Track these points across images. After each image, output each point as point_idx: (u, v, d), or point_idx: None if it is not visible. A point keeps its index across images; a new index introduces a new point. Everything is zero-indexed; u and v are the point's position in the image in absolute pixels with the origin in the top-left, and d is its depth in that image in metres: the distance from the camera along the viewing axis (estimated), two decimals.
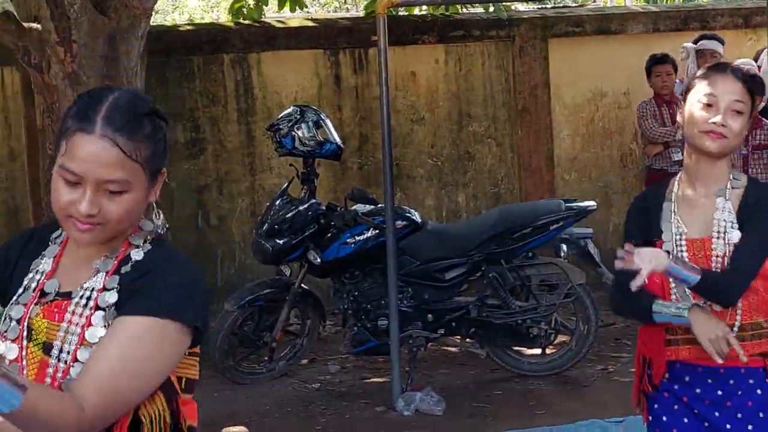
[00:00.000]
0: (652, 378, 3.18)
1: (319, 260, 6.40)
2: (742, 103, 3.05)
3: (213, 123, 8.29)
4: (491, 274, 6.37)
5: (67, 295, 2.14)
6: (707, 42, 8.01)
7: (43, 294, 2.16)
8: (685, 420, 3.14)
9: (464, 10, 9.34)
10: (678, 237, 3.10)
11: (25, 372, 2.10)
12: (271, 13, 10.72)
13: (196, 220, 8.21)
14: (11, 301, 2.18)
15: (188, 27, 8.99)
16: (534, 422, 5.82)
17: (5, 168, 7.98)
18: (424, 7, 8.88)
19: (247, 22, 8.65)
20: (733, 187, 3.11)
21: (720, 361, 2.98)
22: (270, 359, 6.69)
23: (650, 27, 9.08)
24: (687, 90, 3.17)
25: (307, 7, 9.40)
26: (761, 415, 3.09)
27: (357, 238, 6.37)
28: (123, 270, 2.14)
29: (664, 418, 3.19)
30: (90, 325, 2.08)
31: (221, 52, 8.28)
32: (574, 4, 10.05)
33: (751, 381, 3.10)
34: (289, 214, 6.43)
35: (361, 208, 6.47)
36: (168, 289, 2.09)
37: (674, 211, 3.13)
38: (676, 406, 3.17)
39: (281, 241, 6.40)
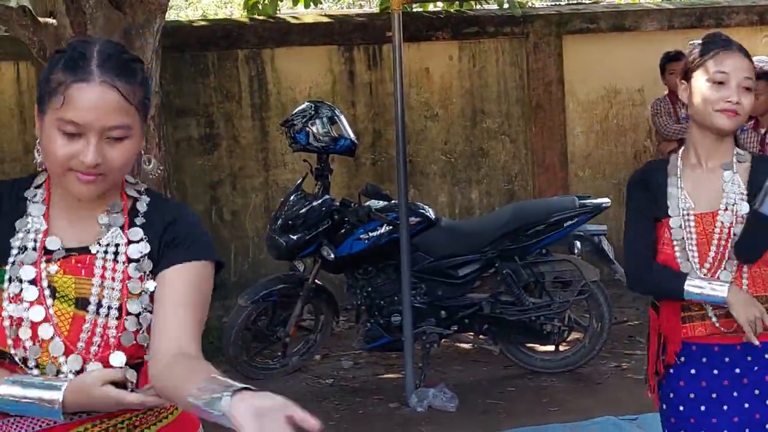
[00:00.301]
0: (666, 358, 3.15)
1: (332, 256, 6.39)
2: (751, 80, 3.05)
3: (227, 119, 8.29)
4: (505, 270, 6.35)
5: (83, 251, 2.16)
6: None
7: (48, 252, 2.15)
8: (702, 408, 3.12)
9: (478, 6, 9.31)
10: (686, 213, 3.09)
11: (60, 330, 2.10)
12: (286, 9, 10.68)
13: (209, 216, 8.21)
14: (9, 263, 2.15)
15: (202, 23, 8.98)
16: (547, 419, 5.81)
17: (20, 162, 7.99)
18: (439, 3, 8.86)
19: (261, 17, 8.64)
20: (739, 162, 3.11)
21: (756, 343, 3.00)
22: (283, 354, 6.70)
23: (665, 24, 9.06)
24: (689, 68, 3.12)
25: (321, 3, 9.38)
26: None
27: (370, 234, 6.36)
28: (138, 222, 2.19)
29: (681, 408, 3.16)
30: (129, 278, 2.14)
31: (235, 48, 8.27)
32: (588, 1, 10.01)
33: (767, 355, 3.10)
34: (303, 210, 6.43)
35: (374, 204, 6.46)
36: (195, 233, 2.20)
37: (680, 187, 3.11)
38: (692, 395, 3.14)
39: (295, 237, 6.40)
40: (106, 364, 2.10)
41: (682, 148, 3.20)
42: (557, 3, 10.44)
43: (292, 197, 6.54)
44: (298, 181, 6.66)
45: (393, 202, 6.43)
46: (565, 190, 8.62)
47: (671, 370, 3.17)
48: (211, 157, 8.21)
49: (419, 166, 8.61)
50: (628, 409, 5.75)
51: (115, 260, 2.15)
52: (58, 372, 2.10)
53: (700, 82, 3.06)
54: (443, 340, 6.53)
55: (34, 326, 2.09)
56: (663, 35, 8.89)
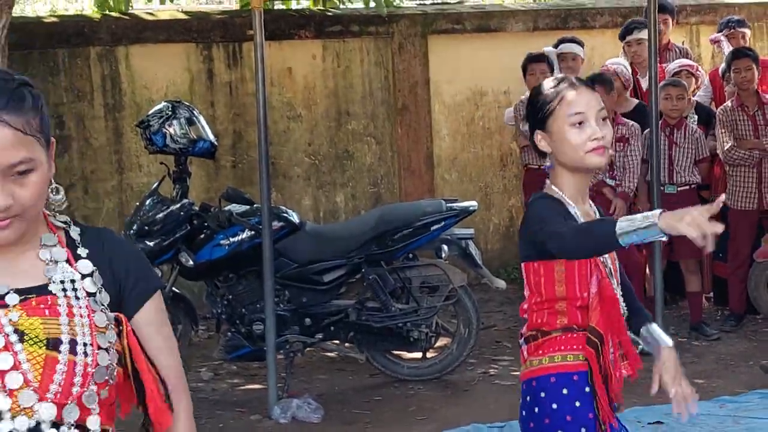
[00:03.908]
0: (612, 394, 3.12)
1: (191, 262, 6.29)
2: (605, 109, 3.09)
3: (78, 119, 8.13)
4: (371, 276, 6.32)
5: (41, 290, 2.05)
6: (567, 45, 8.09)
7: None
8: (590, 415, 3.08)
9: (342, 5, 9.27)
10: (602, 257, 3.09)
11: (30, 377, 1.98)
12: (140, 5, 10.47)
13: None
14: None
15: (52, 18, 8.84)
16: (414, 428, 5.81)
17: None
18: (302, 1, 8.79)
19: (114, 14, 8.49)
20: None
21: (710, 249, 2.61)
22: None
23: (530, 25, 9.15)
24: (540, 118, 3.07)
25: None
26: None
27: (231, 239, 6.27)
28: (81, 253, 2.11)
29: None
30: (93, 311, 2.06)
31: (87, 45, 8.09)
32: (453, 1, 10.04)
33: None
34: (160, 215, 6.32)
35: (235, 208, 6.38)
36: (144, 262, 2.21)
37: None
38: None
39: (151, 243, 6.27)
40: (83, 407, 2.03)
41: (549, 187, 3.11)
42: (423, 3, 10.43)
43: (148, 201, 6.43)
44: (155, 185, 6.54)
45: (255, 206, 6.36)
46: (432, 193, 8.66)
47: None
48: (62, 159, 7.97)
49: (282, 169, 8.53)
50: (496, 416, 5.77)
51: (77, 297, 2.06)
52: (38, 425, 1.99)
53: (559, 129, 3.04)
54: (307, 348, 6.49)
55: (1, 375, 1.98)
56: (528, 37, 8.97)
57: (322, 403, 6.06)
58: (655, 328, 3.17)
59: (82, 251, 2.11)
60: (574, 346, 3.03)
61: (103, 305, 2.08)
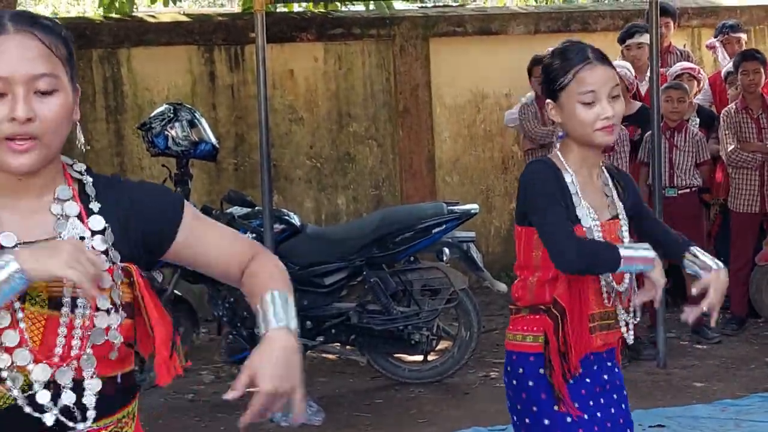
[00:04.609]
0: (571, 368, 3.13)
1: None
2: (617, 86, 3.11)
3: (80, 121, 7.98)
4: (372, 279, 6.31)
5: None
6: None
7: (4, 249, 2.00)
8: (599, 414, 3.15)
9: (344, 7, 9.27)
10: (594, 224, 3.12)
11: (26, 336, 1.97)
12: (143, 8, 10.49)
13: None
14: None
15: (53, 19, 8.69)
16: (415, 431, 5.79)
17: None
18: (303, 4, 8.79)
19: (116, 16, 8.49)
20: (606, 172, 3.26)
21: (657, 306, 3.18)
22: (140, 369, 6.43)
23: (531, 28, 9.15)
24: (554, 88, 3.12)
25: (180, 1, 9.21)
26: (624, 392, 3.27)
27: None
28: (94, 208, 2.08)
29: (586, 416, 3.15)
30: None
31: (89, 48, 8.08)
32: (455, 4, 10.04)
33: (614, 364, 3.26)
34: None
35: (237, 211, 6.38)
36: (158, 196, 2.19)
37: (581, 197, 3.12)
38: (591, 402, 3.16)
39: None
40: (79, 371, 2.01)
41: (555, 154, 3.18)
42: (424, 5, 10.44)
43: None
44: None
45: (256, 208, 6.36)
46: (433, 195, 8.65)
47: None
48: None
49: (284, 171, 8.52)
50: (497, 420, 5.75)
51: None
52: (30, 385, 1.98)
53: (570, 104, 3.09)
54: (309, 351, 6.46)
55: (2, 333, 1.97)
56: (530, 39, 8.96)
57: (323, 406, 6.02)
58: (699, 252, 3.20)
59: (95, 205, 2.08)
60: (534, 328, 3.14)
61: (113, 263, 2.05)
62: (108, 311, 2.03)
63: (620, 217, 3.18)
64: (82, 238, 2.03)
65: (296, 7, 9.05)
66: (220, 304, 6.32)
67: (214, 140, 6.53)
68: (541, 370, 3.11)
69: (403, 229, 6.30)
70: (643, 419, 5.58)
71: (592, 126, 3.06)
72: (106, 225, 2.07)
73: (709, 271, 3.12)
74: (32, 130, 1.96)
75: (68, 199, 2.06)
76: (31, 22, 2.00)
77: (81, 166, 2.13)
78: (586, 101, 3.05)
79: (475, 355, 6.69)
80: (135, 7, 8.83)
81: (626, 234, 3.18)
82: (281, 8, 8.86)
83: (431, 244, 6.36)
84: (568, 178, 3.10)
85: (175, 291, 6.40)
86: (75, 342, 1.99)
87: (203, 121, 6.56)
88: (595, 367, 3.17)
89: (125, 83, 8.17)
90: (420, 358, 6.56)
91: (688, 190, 7.30)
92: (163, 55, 8.24)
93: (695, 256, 3.18)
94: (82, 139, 2.15)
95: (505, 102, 8.92)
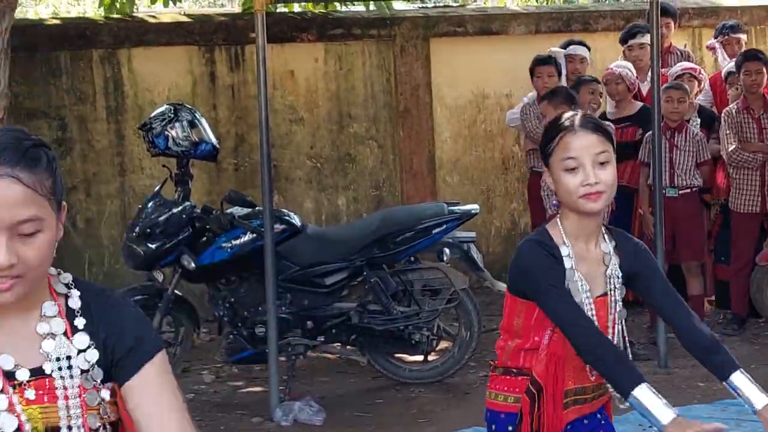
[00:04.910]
0: None
1: (193, 265, 6.25)
2: (606, 152, 3.02)
3: (81, 122, 8.11)
4: (373, 279, 6.30)
5: (38, 373, 2.01)
6: (576, 48, 8.08)
7: (7, 374, 1.99)
8: None
9: (345, 7, 9.26)
10: (586, 298, 3.06)
11: None
12: (143, 8, 10.49)
13: None
14: None
15: (54, 21, 8.80)
16: (415, 430, 5.79)
17: None
18: (304, 4, 8.78)
19: (117, 16, 8.48)
20: (609, 241, 3.14)
21: None
22: None
23: (532, 28, 9.13)
24: (545, 155, 3.08)
25: (180, 1, 9.20)
26: None
27: (233, 242, 6.25)
28: (79, 325, 2.06)
29: None
30: (85, 390, 2.03)
31: (90, 48, 8.07)
32: (455, 4, 10.03)
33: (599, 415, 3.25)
34: (162, 217, 6.28)
35: (237, 211, 6.35)
36: (141, 326, 2.12)
37: (575, 269, 3.06)
38: None
39: (154, 246, 6.25)
40: None
41: (553, 224, 3.12)
42: (424, 6, 10.43)
43: (150, 204, 6.40)
44: (157, 187, 6.51)
45: (257, 209, 6.33)
46: (434, 196, 8.63)
47: None
48: (64, 162, 7.97)
49: (284, 172, 8.51)
50: None
51: (71, 376, 2.03)
52: None
53: (556, 171, 3.04)
54: (309, 351, 6.45)
55: None
56: (531, 39, 8.95)
57: (324, 406, 6.04)
58: (742, 382, 3.18)
59: (80, 322, 2.06)
60: (505, 388, 3.15)
61: (95, 381, 2.04)
62: (98, 430, 2.03)
63: (609, 294, 3.10)
64: (69, 358, 2.02)
65: (296, 8, 9.03)
66: (220, 304, 6.31)
67: (214, 140, 6.52)
68: (510, 428, 3.12)
69: (404, 230, 6.30)
70: (643, 420, 5.56)
71: (576, 193, 2.98)
72: (91, 343, 2.05)
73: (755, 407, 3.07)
74: (14, 273, 1.93)
75: (54, 316, 2.04)
76: (16, 159, 1.93)
77: (67, 278, 2.10)
78: (569, 167, 2.99)
79: (476, 355, 6.67)
80: (135, 7, 8.80)
81: (612, 314, 3.11)
82: (281, 8, 8.84)
83: (432, 244, 6.36)
84: (564, 251, 3.04)
85: (176, 291, 6.38)
86: None
87: (203, 121, 6.55)
88: (586, 422, 3.18)
89: (126, 83, 8.16)
90: (420, 358, 6.56)
91: (688, 191, 7.29)
92: (164, 56, 8.22)
93: (738, 386, 3.17)
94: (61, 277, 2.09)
95: (505, 102, 8.91)
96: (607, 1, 11.10)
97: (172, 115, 6.38)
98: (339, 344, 6.47)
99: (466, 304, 6.44)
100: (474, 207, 6.59)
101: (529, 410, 3.06)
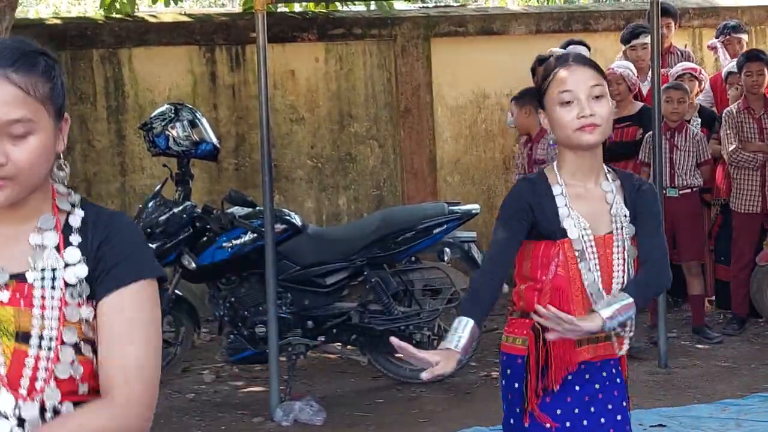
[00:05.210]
0: (548, 382, 3.14)
1: (194, 265, 6.25)
2: (600, 86, 3.07)
3: (81, 121, 8.08)
4: (373, 278, 6.31)
5: (19, 278, 2.00)
6: (576, 48, 8.06)
7: None
8: (567, 424, 3.14)
9: (345, 7, 9.25)
10: (585, 235, 3.08)
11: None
12: (144, 7, 10.48)
13: None
14: None
15: (55, 20, 8.79)
16: (416, 431, 5.78)
17: None
18: (304, 4, 8.77)
19: (117, 16, 8.47)
20: (611, 180, 3.16)
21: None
22: None
23: (533, 28, 9.13)
24: (540, 97, 3.14)
25: (181, 1, 9.20)
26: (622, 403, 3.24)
27: (234, 242, 6.25)
28: (74, 241, 2.04)
29: (568, 424, 3.15)
30: (66, 304, 2.00)
31: (90, 48, 8.07)
32: (456, 4, 10.03)
33: (614, 371, 3.23)
34: (163, 217, 6.29)
35: (238, 210, 6.36)
36: (137, 248, 2.06)
37: (570, 208, 3.09)
38: (577, 410, 3.16)
39: (154, 245, 6.22)
40: (43, 403, 1.99)
41: (549, 167, 3.19)
42: (425, 6, 10.42)
43: (150, 204, 6.40)
44: (158, 187, 6.50)
45: (257, 208, 6.33)
46: (434, 196, 8.63)
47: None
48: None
49: (285, 171, 8.50)
50: (498, 419, 5.58)
51: (53, 287, 2.00)
52: None
53: (551, 107, 3.08)
54: (310, 351, 6.45)
55: None
56: (531, 39, 8.95)
57: (325, 406, 6.03)
58: (610, 295, 3.10)
59: (75, 239, 2.04)
60: (525, 332, 3.15)
61: (80, 298, 2.01)
62: (75, 345, 2.01)
63: (615, 233, 3.11)
64: (54, 270, 2.00)
65: (297, 7, 9.02)
66: (220, 303, 6.30)
67: (215, 140, 6.52)
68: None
69: (405, 229, 6.30)
70: (644, 419, 5.58)
71: (571, 126, 3.03)
72: (81, 257, 2.02)
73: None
74: (4, 174, 1.94)
75: (49, 230, 2.03)
76: (11, 60, 1.95)
77: (76, 198, 2.10)
78: (564, 100, 3.04)
79: (477, 354, 6.68)
80: (136, 7, 8.79)
81: (618, 253, 3.12)
82: (282, 8, 8.82)
83: (432, 244, 6.36)
84: (556, 191, 3.09)
85: (176, 291, 6.39)
86: (40, 374, 1.98)
87: (204, 121, 6.55)
88: (587, 376, 3.16)
89: (126, 83, 8.15)
90: None
91: (689, 190, 7.29)
92: (165, 55, 8.22)
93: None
94: (65, 173, 2.08)
95: (506, 102, 8.88)
96: (607, 1, 11.10)
97: (173, 115, 6.39)
98: (339, 344, 6.47)
99: None
100: (474, 207, 6.60)
101: (534, 344, 3.08)
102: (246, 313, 6.25)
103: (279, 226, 6.17)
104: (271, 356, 6.00)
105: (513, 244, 3.10)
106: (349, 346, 6.47)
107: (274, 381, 6.01)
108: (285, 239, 6.24)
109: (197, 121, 6.45)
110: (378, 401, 6.31)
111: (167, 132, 6.34)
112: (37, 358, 1.97)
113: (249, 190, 7.73)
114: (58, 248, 2.03)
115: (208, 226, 6.29)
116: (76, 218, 2.06)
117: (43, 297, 1.99)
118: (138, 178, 8.17)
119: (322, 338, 6.34)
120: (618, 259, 3.11)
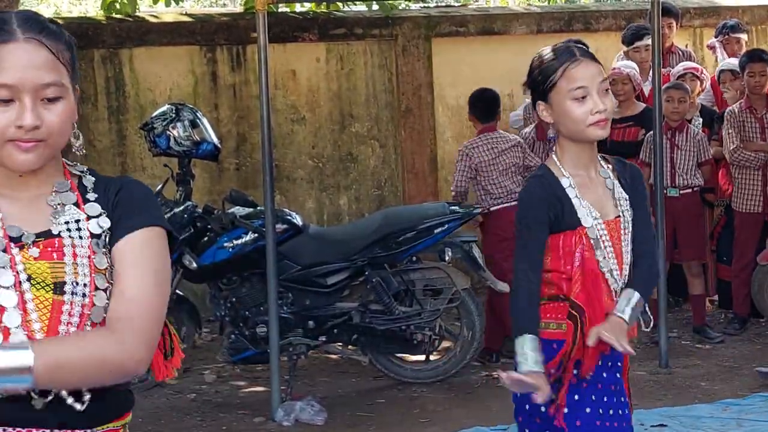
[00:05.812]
0: (582, 371, 3.16)
1: (195, 265, 6.24)
2: (606, 80, 3.16)
3: (82, 121, 7.94)
4: (374, 278, 6.30)
5: (46, 235, 2.08)
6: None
7: (13, 239, 2.06)
8: (600, 411, 3.17)
9: (346, 7, 9.24)
10: (597, 223, 3.13)
11: (33, 317, 2.03)
12: (145, 7, 10.47)
13: None
14: None
15: (57, 21, 8.66)
16: (417, 431, 5.78)
17: None
18: (306, 4, 8.77)
19: (118, 16, 8.45)
20: (607, 166, 3.24)
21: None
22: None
23: (534, 28, 9.13)
24: (543, 89, 3.15)
25: (182, 1, 9.19)
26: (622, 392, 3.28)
27: (235, 242, 6.25)
28: (91, 197, 2.13)
29: (588, 410, 3.17)
30: (94, 253, 2.08)
31: (91, 48, 8.05)
32: (457, 4, 10.02)
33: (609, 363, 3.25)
34: None
35: (239, 210, 6.36)
36: (146, 200, 2.16)
37: (581, 198, 3.14)
38: (593, 396, 3.18)
39: None
40: None
41: (551, 160, 3.22)
42: (426, 6, 10.42)
43: None
44: (159, 187, 6.47)
45: (258, 208, 6.33)
46: (435, 196, 8.61)
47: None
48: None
49: (286, 171, 8.50)
50: (499, 419, 5.75)
51: (80, 236, 2.09)
52: None
53: (561, 102, 3.10)
54: (311, 351, 6.45)
55: (1, 311, 2.02)
56: (532, 39, 8.92)
57: (326, 406, 6.03)
58: (623, 297, 3.16)
59: (92, 195, 2.14)
60: (559, 315, 3.15)
61: (106, 247, 2.10)
62: (106, 290, 2.08)
63: (621, 216, 3.18)
64: (78, 221, 2.09)
65: (298, 7, 9.01)
66: (222, 304, 6.30)
67: (215, 140, 6.52)
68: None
69: (406, 229, 6.30)
70: (645, 418, 5.57)
71: (585, 122, 3.07)
72: (102, 211, 2.12)
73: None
74: (38, 136, 2.03)
75: (66, 191, 2.12)
76: (39, 28, 2.04)
77: (82, 168, 2.19)
78: (578, 96, 3.07)
79: (477, 354, 6.67)
80: (137, 7, 8.78)
81: (625, 235, 3.19)
82: (283, 8, 8.82)
83: (433, 244, 6.36)
84: (565, 183, 3.13)
85: (177, 291, 6.38)
86: (74, 320, 2.05)
87: (205, 121, 6.55)
88: (609, 364, 3.20)
89: (127, 83, 8.15)
90: (422, 357, 6.55)
91: (689, 190, 7.29)
92: (165, 55, 8.22)
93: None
94: (80, 142, 2.15)
95: (507, 102, 8.87)
96: (608, 1, 11.08)
97: (174, 115, 6.39)
98: (340, 344, 6.46)
99: (467, 304, 6.44)
100: (475, 207, 6.60)
101: (573, 333, 3.09)
102: (247, 313, 6.25)
103: (280, 226, 6.16)
104: (272, 356, 6.00)
105: (543, 246, 3.12)
106: (350, 346, 6.47)
107: (275, 381, 6.01)
108: (286, 239, 6.24)
109: (198, 121, 6.45)
110: (379, 401, 6.31)
111: (168, 132, 6.34)
112: (72, 304, 2.04)
113: (250, 190, 7.72)
114: (77, 204, 2.11)
115: (209, 226, 6.29)
116: (89, 179, 2.16)
117: (73, 245, 2.06)
118: (139, 178, 7.89)
119: (323, 338, 6.33)
120: (625, 241, 3.18)
